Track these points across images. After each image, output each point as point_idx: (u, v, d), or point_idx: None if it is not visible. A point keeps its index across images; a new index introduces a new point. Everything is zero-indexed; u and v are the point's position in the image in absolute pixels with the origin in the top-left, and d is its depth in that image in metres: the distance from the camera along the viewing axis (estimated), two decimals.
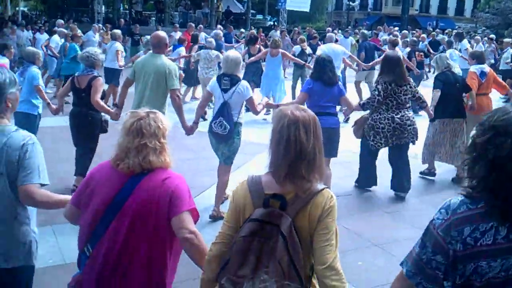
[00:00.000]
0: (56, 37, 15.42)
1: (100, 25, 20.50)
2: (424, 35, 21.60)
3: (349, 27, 35.64)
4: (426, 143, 8.07)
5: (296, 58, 13.08)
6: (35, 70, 7.58)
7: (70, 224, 5.78)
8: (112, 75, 12.90)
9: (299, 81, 13.47)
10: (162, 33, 7.07)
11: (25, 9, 49.38)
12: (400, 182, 7.14)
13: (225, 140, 6.18)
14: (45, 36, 17.93)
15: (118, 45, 13.28)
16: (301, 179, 2.42)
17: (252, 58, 12.62)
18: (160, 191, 2.70)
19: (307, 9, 35.98)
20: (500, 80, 9.07)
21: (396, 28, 24.51)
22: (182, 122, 6.57)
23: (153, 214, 2.68)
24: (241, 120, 6.35)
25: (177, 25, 22.65)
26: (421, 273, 2.10)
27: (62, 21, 19.66)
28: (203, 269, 2.66)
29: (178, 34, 19.25)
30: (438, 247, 2.05)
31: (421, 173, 8.17)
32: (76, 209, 2.90)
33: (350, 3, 50.36)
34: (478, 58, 8.91)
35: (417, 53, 13.64)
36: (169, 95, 6.54)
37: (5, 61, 8.40)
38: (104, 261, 2.69)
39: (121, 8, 36.67)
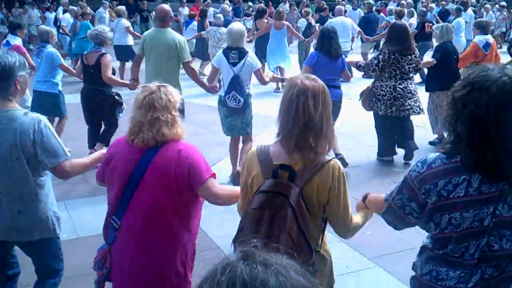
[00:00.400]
0: (67, 15, 15.45)
1: (107, 2, 20.39)
2: (432, 5, 21.24)
3: None
4: (431, 112, 8.11)
5: (298, 33, 12.84)
6: (52, 49, 7.58)
7: (82, 199, 5.95)
8: (122, 52, 12.90)
9: (304, 54, 13.38)
10: (167, 7, 7.10)
11: None
12: (406, 151, 7.21)
13: (239, 113, 6.26)
14: (54, 14, 17.94)
15: (125, 22, 13.26)
16: (308, 149, 2.44)
17: (257, 33, 12.42)
18: (176, 162, 2.80)
19: None
20: (497, 51, 8.89)
21: None
22: (203, 85, 6.71)
23: (173, 184, 2.79)
24: (251, 92, 6.42)
25: (184, 0, 22.39)
26: (394, 215, 2.34)
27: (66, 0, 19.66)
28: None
29: (186, 10, 19.11)
30: (413, 196, 2.20)
31: (430, 142, 8.19)
32: (101, 182, 3.09)
33: None
34: (482, 28, 8.75)
35: (426, 24, 13.45)
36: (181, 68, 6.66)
37: (17, 41, 8.36)
38: (130, 232, 2.84)
39: None
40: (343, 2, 21.05)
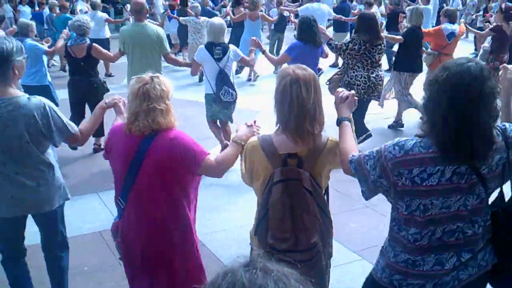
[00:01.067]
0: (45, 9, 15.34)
1: None
2: None
3: None
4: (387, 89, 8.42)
5: (269, 17, 12.79)
6: (32, 41, 7.48)
7: (80, 197, 5.85)
8: (100, 45, 12.68)
9: (277, 44, 13.45)
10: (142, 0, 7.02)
11: None
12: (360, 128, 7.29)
13: (232, 104, 6.45)
14: (27, 8, 17.61)
15: (102, 14, 13.14)
16: (308, 135, 2.67)
17: (233, 18, 12.40)
18: (170, 149, 3.00)
19: None
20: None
21: None
22: (187, 65, 6.95)
23: (171, 168, 3.02)
24: (233, 82, 6.55)
25: None
26: (366, 186, 2.45)
27: None
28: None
29: (160, 1, 18.91)
30: (385, 175, 2.33)
31: (389, 126, 8.62)
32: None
33: None
34: (449, 16, 8.76)
35: (400, 14, 13.27)
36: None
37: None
38: (138, 212, 3.11)
39: None
40: None
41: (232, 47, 6.38)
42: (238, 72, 12.05)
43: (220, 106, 6.39)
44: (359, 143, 7.26)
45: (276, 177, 2.64)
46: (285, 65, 2.77)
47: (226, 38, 6.95)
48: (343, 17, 12.88)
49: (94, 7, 13.36)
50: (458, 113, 2.12)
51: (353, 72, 7.05)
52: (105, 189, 6.04)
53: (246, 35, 11.89)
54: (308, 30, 6.85)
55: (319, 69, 8.10)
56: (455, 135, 2.14)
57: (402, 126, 8.66)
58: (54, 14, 13.83)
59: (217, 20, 6.64)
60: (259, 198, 2.81)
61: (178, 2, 15.22)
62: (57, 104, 7.45)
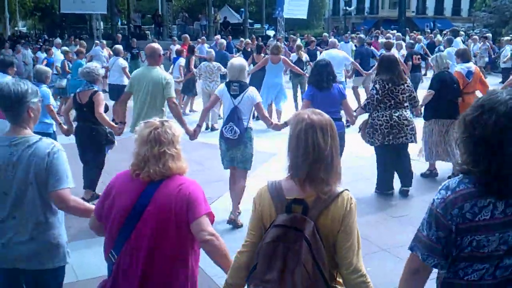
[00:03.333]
0: (60, 55, 15.63)
1: (104, 41, 20.62)
2: (420, 37, 21.66)
3: (348, 32, 35.77)
4: (426, 142, 8.09)
5: (296, 67, 12.93)
6: (45, 89, 7.52)
7: (81, 240, 5.89)
8: (117, 91, 12.63)
9: (299, 89, 13.48)
10: (156, 45, 7.27)
11: (24, 28, 49.64)
12: (403, 179, 7.31)
13: (236, 144, 6.27)
14: (44, 54, 18.08)
15: (122, 61, 13.37)
16: (320, 182, 2.49)
17: (254, 67, 12.47)
18: (177, 196, 2.82)
19: (304, 16, 36.12)
20: (484, 79, 8.96)
21: (394, 32, 24.54)
22: (184, 127, 6.63)
23: (173, 219, 2.81)
24: (252, 125, 6.45)
25: (175, 38, 22.73)
26: (435, 254, 2.23)
27: (59, 40, 19.85)
28: (225, 271, 2.79)
29: (176, 47, 19.35)
30: (440, 224, 2.20)
31: (422, 175, 8.20)
32: (98, 222, 3.05)
33: (347, 8, 50.47)
34: (461, 56, 8.82)
35: (414, 56, 13.62)
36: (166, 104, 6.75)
37: (8, 78, 8.21)
38: (129, 267, 2.82)
39: (119, 23, 36.88)
40: (332, 37, 21.35)
41: (251, 89, 6.36)
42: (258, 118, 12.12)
43: (226, 144, 6.32)
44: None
45: (276, 222, 2.46)
46: (301, 110, 2.60)
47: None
48: (358, 65, 13.20)
49: (116, 53, 13.59)
50: (507, 149, 2.07)
51: (376, 113, 7.01)
52: None
53: (268, 79, 12.01)
54: (315, 73, 6.97)
55: (347, 121, 8.04)
56: (501, 171, 2.08)
57: (436, 175, 8.29)
58: (69, 61, 14.11)
59: (237, 60, 6.74)
60: None
61: (187, 49, 15.50)
62: None
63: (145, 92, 6.66)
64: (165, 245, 2.82)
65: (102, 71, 7.45)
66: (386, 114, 6.94)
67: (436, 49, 19.35)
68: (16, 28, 38.13)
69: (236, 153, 6.35)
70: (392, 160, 7.27)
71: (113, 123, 7.14)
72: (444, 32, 27.28)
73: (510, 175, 2.08)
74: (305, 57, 14.25)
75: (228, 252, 2.87)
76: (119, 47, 14.19)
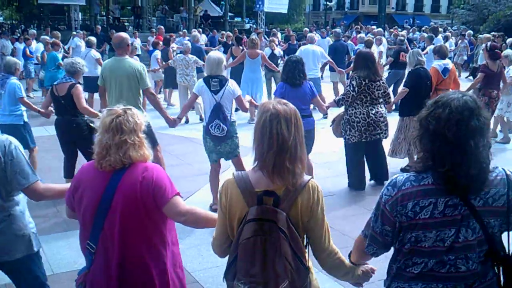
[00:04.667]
0: (40, 45, 15.49)
1: (81, 31, 20.49)
2: (404, 32, 21.81)
3: (327, 27, 35.89)
4: (399, 137, 8.15)
5: (271, 63, 12.89)
6: (15, 81, 7.46)
7: (55, 234, 5.84)
8: (91, 83, 12.51)
9: (273, 83, 13.48)
10: (124, 34, 7.14)
11: (0, 18, 48.90)
12: (379, 174, 7.42)
13: (224, 140, 6.29)
14: (23, 45, 17.86)
15: (95, 53, 13.29)
16: (287, 173, 2.49)
17: (231, 63, 12.39)
18: (142, 183, 2.83)
19: (285, 11, 36.19)
20: (457, 77, 9.14)
21: (374, 27, 24.69)
22: (164, 115, 6.68)
23: (141, 205, 2.82)
24: (234, 118, 6.48)
25: (154, 30, 22.68)
26: (375, 243, 2.46)
27: (34, 31, 19.66)
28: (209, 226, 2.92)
29: (137, 41, 19.81)
30: (386, 219, 2.36)
31: (401, 169, 8.26)
32: (71, 211, 3.06)
33: (327, 3, 50.62)
34: (438, 52, 8.97)
35: (402, 53, 13.55)
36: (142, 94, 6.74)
37: None
38: (107, 255, 2.85)
39: (98, 15, 36.51)
40: (314, 32, 21.44)
41: (231, 82, 6.34)
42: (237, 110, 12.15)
43: (213, 141, 6.34)
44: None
45: (250, 215, 2.45)
46: (266, 101, 2.58)
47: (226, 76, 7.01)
48: (337, 67, 13.11)
49: (89, 45, 13.50)
50: (460, 146, 2.16)
51: (352, 110, 7.05)
52: None
53: (247, 73, 12.00)
54: (287, 70, 6.93)
55: (325, 114, 8.07)
56: (454, 167, 2.17)
57: None
58: (45, 52, 13.98)
59: (214, 53, 6.62)
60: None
61: (162, 41, 15.44)
62: (30, 147, 7.38)
63: (118, 84, 6.57)
64: (137, 230, 2.85)
65: (86, 69, 7.35)
66: (364, 112, 7.00)
67: (417, 46, 19.58)
68: None
69: (225, 147, 6.40)
70: (362, 157, 7.37)
71: (98, 112, 7.06)
72: (423, 28, 27.54)
73: (463, 170, 2.17)
74: (278, 51, 14.20)
75: (208, 214, 2.97)
76: (92, 38, 14.06)
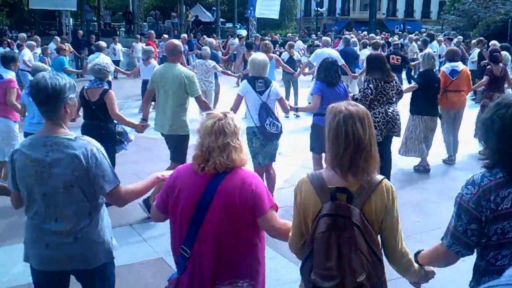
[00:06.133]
0: (27, 51, 15.44)
1: (58, 37, 20.49)
2: (396, 37, 22.12)
3: (318, 33, 35.96)
4: (411, 136, 8.45)
5: (287, 66, 12.90)
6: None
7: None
8: None
9: (291, 87, 13.68)
10: (176, 41, 7.13)
11: None
12: (385, 172, 7.38)
13: (276, 138, 6.44)
14: (5, 50, 17.68)
15: (104, 57, 13.03)
16: (362, 171, 2.57)
17: (247, 68, 12.47)
18: (241, 189, 2.86)
19: (276, 16, 36.27)
20: (470, 78, 9.33)
21: (365, 33, 24.80)
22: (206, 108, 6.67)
23: (238, 211, 2.85)
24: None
25: (138, 36, 22.95)
26: (459, 243, 2.49)
27: (24, 35, 19.64)
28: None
29: (139, 45, 20.16)
30: (472, 217, 2.42)
31: (415, 168, 8.66)
32: (162, 214, 3.06)
33: (318, 9, 50.80)
34: (447, 55, 9.48)
35: (392, 56, 13.86)
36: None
37: (10, 74, 7.70)
38: (202, 260, 2.88)
39: (89, 21, 36.42)
40: (327, 36, 21.46)
41: (275, 83, 6.51)
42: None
43: (264, 140, 6.36)
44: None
45: (324, 211, 2.53)
46: (335, 103, 2.67)
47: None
48: (351, 73, 13.41)
49: (98, 49, 13.40)
50: None
51: (371, 111, 7.13)
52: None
53: None
54: (323, 70, 7.21)
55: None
56: None
57: (429, 171, 8.60)
58: (46, 57, 13.83)
59: (259, 55, 6.74)
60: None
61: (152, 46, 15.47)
62: None
63: (168, 90, 6.53)
64: (232, 235, 2.87)
65: (112, 68, 7.22)
66: (382, 111, 7.12)
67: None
68: None
69: (271, 147, 6.48)
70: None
71: (133, 121, 6.95)
72: (414, 34, 27.67)
73: None
74: (296, 55, 14.28)
75: (289, 228, 2.89)
76: (102, 43, 14.09)
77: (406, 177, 8.36)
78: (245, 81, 6.64)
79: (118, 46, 20.92)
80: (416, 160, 8.69)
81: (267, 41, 13.41)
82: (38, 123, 6.89)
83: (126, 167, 7.83)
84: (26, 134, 6.91)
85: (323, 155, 6.64)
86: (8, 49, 17.76)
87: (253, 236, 2.97)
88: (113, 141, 6.79)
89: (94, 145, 3.07)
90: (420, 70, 8.95)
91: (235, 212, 2.84)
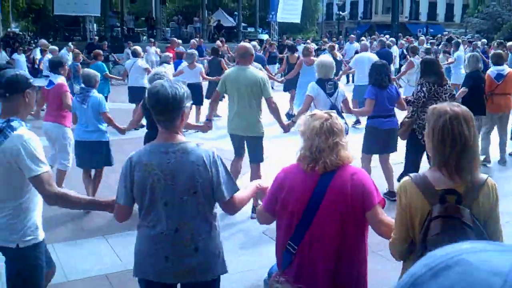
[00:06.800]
0: (49, 56, 15.43)
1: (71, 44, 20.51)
2: (423, 38, 22.29)
3: (340, 36, 35.86)
4: None
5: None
6: (98, 95, 7.06)
7: (70, 241, 5.86)
8: (137, 93, 11.32)
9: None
10: (247, 45, 7.33)
11: (17, 29, 49.48)
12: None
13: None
14: (22, 56, 17.56)
15: (142, 63, 13.06)
16: (467, 171, 2.60)
17: (291, 73, 12.87)
18: (352, 185, 2.92)
19: (297, 21, 36.22)
20: None
21: (388, 37, 24.65)
22: (280, 122, 6.90)
23: (349, 206, 2.91)
24: None
25: (153, 40, 23.52)
26: None
27: (44, 41, 19.76)
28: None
29: (152, 49, 20.48)
30: None
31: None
32: (271, 216, 3.14)
33: (340, 13, 50.64)
34: (491, 58, 9.66)
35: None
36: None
37: (60, 79, 7.57)
38: (311, 253, 2.93)
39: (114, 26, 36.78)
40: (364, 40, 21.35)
41: (341, 85, 6.68)
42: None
43: None
44: None
45: (435, 213, 2.54)
46: (438, 104, 2.70)
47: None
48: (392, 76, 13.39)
49: (135, 54, 13.05)
50: None
51: (425, 114, 7.14)
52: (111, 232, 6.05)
53: (303, 81, 11.97)
54: (374, 74, 7.26)
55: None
56: None
57: (489, 162, 9.04)
58: (78, 63, 13.59)
59: (326, 57, 7.00)
60: (417, 236, 2.68)
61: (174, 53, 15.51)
62: (111, 163, 6.93)
63: (241, 93, 6.62)
64: (344, 231, 2.92)
65: (171, 75, 7.24)
66: None
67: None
68: (8, 29, 37.89)
69: None
70: (419, 157, 7.44)
71: (198, 124, 6.89)
72: (437, 37, 27.44)
73: None
74: (339, 56, 14.38)
75: (392, 222, 2.90)
76: (138, 48, 13.52)
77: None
78: (313, 83, 6.82)
79: (152, 49, 20.46)
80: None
81: (308, 46, 13.77)
82: (94, 131, 6.89)
83: None
84: (78, 143, 6.90)
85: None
86: (23, 54, 17.90)
87: (362, 233, 3.01)
88: None
89: (215, 153, 3.06)
90: (466, 71, 9.15)
91: (346, 207, 2.89)
